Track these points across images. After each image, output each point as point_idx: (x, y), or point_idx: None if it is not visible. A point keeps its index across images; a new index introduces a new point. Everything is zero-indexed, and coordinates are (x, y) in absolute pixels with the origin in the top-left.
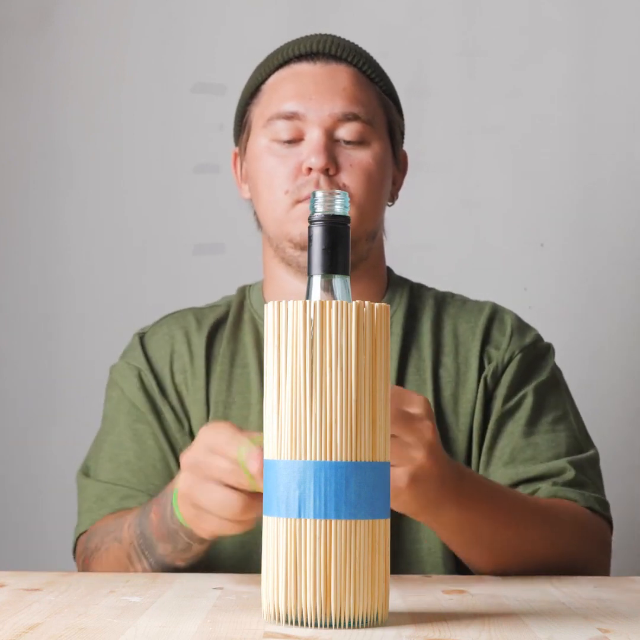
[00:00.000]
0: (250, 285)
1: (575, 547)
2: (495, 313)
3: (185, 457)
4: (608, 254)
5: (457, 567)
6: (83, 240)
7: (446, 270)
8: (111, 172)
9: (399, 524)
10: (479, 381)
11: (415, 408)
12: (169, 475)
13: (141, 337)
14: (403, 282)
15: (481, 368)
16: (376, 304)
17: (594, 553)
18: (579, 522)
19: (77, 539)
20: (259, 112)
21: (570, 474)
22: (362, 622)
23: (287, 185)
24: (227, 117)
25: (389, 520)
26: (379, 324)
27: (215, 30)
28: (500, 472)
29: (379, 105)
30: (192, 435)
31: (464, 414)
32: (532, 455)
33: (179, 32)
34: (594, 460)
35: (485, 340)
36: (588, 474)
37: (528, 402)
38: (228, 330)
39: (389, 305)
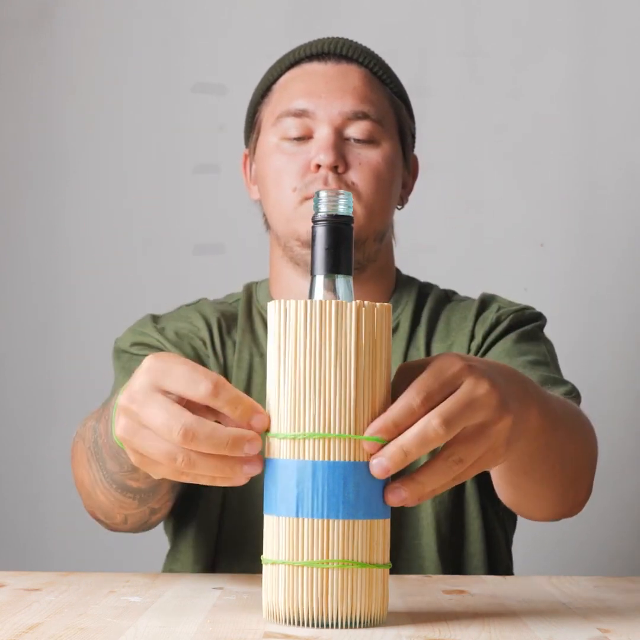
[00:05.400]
0: (256, 283)
1: (594, 444)
2: (485, 298)
3: (122, 397)
4: (608, 254)
5: (453, 559)
6: (83, 241)
7: (446, 270)
8: (111, 172)
9: (400, 518)
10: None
11: (457, 378)
12: None
13: (154, 315)
14: (411, 282)
15: (469, 343)
16: (377, 304)
17: (595, 443)
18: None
19: None
20: (269, 110)
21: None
22: (361, 622)
23: (295, 182)
24: (227, 117)
25: (388, 520)
26: (380, 324)
27: (216, 31)
28: None
29: (389, 106)
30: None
31: None
32: None
33: (179, 32)
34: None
35: (476, 321)
36: (557, 372)
37: (510, 337)
38: (242, 322)
39: (390, 305)
